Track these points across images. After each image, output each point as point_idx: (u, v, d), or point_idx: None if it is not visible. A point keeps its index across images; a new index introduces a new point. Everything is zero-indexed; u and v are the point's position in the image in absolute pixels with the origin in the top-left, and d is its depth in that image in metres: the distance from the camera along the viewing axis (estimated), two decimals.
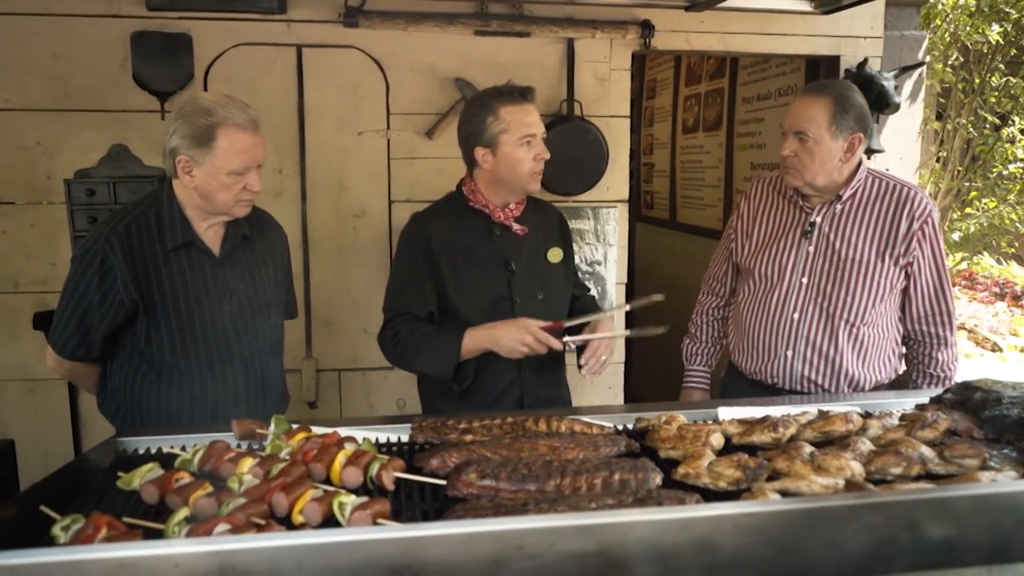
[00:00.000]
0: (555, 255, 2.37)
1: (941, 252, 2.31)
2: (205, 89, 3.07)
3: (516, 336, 2.08)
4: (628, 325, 3.22)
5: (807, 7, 3.24)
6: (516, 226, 2.28)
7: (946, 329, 2.34)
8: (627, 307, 2.20)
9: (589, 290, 2.62)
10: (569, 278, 2.45)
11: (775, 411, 1.81)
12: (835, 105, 2.17)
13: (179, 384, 2.05)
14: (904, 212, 2.24)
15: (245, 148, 1.94)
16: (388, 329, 2.26)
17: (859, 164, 2.29)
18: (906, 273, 2.28)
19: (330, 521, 1.33)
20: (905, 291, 2.32)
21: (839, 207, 2.29)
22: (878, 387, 2.36)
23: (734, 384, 2.51)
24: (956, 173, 5.11)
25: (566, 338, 2.16)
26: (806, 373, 2.32)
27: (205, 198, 1.99)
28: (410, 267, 2.26)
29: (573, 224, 3.39)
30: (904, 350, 2.42)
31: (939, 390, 2.27)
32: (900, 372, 2.44)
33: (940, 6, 4.77)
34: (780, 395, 2.34)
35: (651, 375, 5.02)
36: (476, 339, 2.15)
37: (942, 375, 2.36)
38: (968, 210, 4.94)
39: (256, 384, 2.15)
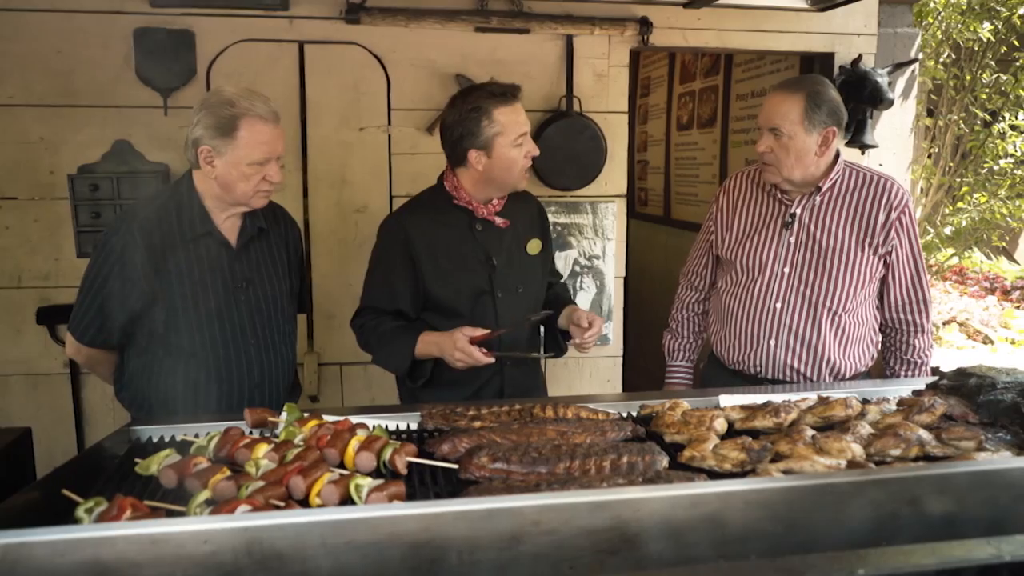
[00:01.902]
0: (534, 247, 2.40)
1: (917, 240, 2.36)
2: (207, 86, 3.09)
3: (449, 351, 2.12)
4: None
5: (802, 4, 3.29)
6: (498, 220, 2.30)
7: (923, 316, 2.39)
8: (532, 319, 2.25)
9: (562, 277, 2.66)
10: (546, 268, 2.48)
11: (776, 397, 1.85)
12: (807, 100, 2.21)
13: (195, 372, 2.08)
14: (882, 202, 2.29)
15: (266, 139, 1.99)
16: (356, 319, 2.36)
17: (836, 156, 2.33)
18: (885, 262, 2.33)
19: (347, 503, 1.36)
20: (883, 280, 2.37)
21: (818, 199, 2.33)
22: (857, 375, 2.40)
23: (715, 374, 2.54)
24: (947, 169, 5.17)
25: (500, 353, 2.17)
26: (789, 362, 2.36)
27: (225, 188, 2.02)
28: (385, 264, 2.31)
29: (571, 219, 3.43)
30: (880, 337, 2.47)
31: (920, 376, 2.34)
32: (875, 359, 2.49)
33: (932, 4, 4.82)
34: (761, 384, 2.37)
35: (645, 369, 5.06)
36: (426, 346, 2.19)
37: (919, 361, 2.41)
38: (960, 204, 4.99)
39: (270, 373, 2.19)
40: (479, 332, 2.12)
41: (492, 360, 2.11)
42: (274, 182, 2.05)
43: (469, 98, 2.20)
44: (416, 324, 2.28)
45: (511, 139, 2.17)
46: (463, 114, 2.18)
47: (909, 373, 2.41)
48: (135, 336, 2.10)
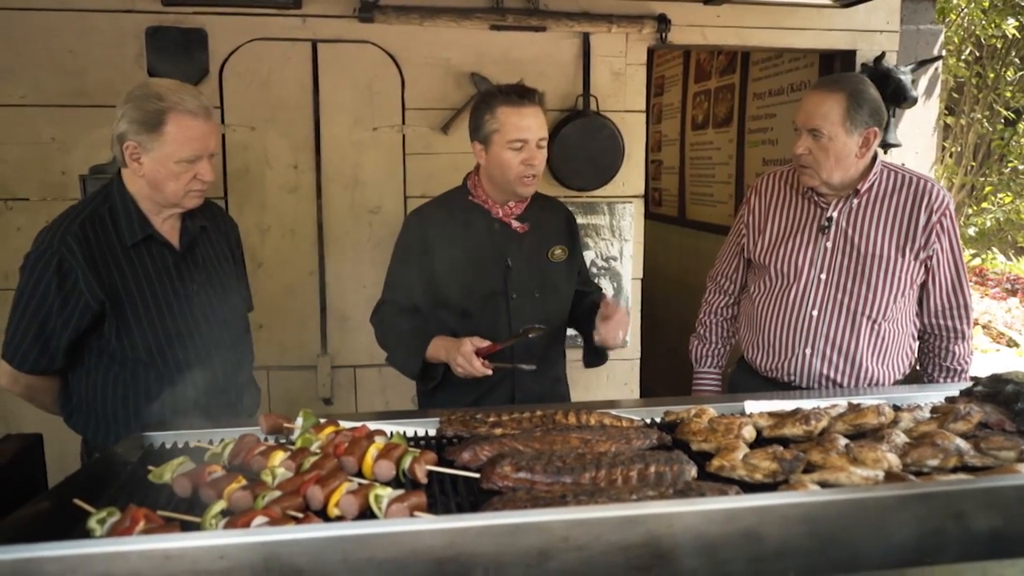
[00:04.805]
0: (558, 254, 2.37)
1: (959, 244, 2.29)
2: (220, 85, 3.06)
3: (453, 357, 2.12)
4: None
5: (824, 0, 3.23)
6: (516, 223, 2.28)
7: (963, 322, 2.32)
8: (530, 333, 2.13)
9: (599, 289, 2.62)
10: (573, 276, 2.44)
11: (805, 404, 1.79)
12: (849, 100, 2.13)
13: (156, 382, 1.98)
14: (922, 205, 2.22)
15: (196, 136, 1.88)
16: (377, 313, 2.37)
17: (874, 158, 2.26)
18: (925, 267, 2.26)
19: (366, 514, 1.32)
20: (923, 285, 2.29)
21: (856, 202, 2.25)
22: (894, 384, 2.33)
23: (745, 380, 2.47)
24: (969, 168, 5.09)
25: (494, 363, 2.13)
26: (825, 371, 2.29)
27: (154, 187, 1.92)
28: (402, 258, 2.33)
29: (588, 220, 3.38)
30: (917, 345, 2.40)
31: (957, 383, 2.27)
32: (915, 367, 2.42)
33: (954, 0, 4.74)
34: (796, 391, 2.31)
35: (662, 372, 5.01)
36: (436, 350, 2.19)
37: (958, 368, 2.34)
38: (984, 205, 4.91)
39: (231, 374, 2.11)
40: (486, 344, 2.11)
41: (490, 372, 2.11)
42: (206, 180, 1.94)
43: (487, 91, 2.26)
44: (430, 326, 2.27)
45: (506, 139, 2.14)
46: (476, 104, 2.24)
47: (948, 381, 2.33)
48: (81, 356, 1.98)
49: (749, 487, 1.41)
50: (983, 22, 4.61)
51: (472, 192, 2.29)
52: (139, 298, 1.94)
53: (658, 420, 1.81)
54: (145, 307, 1.94)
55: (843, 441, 1.53)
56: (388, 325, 2.30)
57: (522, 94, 2.16)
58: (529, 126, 2.15)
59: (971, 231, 4.66)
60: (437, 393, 2.31)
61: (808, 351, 2.29)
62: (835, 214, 2.27)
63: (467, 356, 2.08)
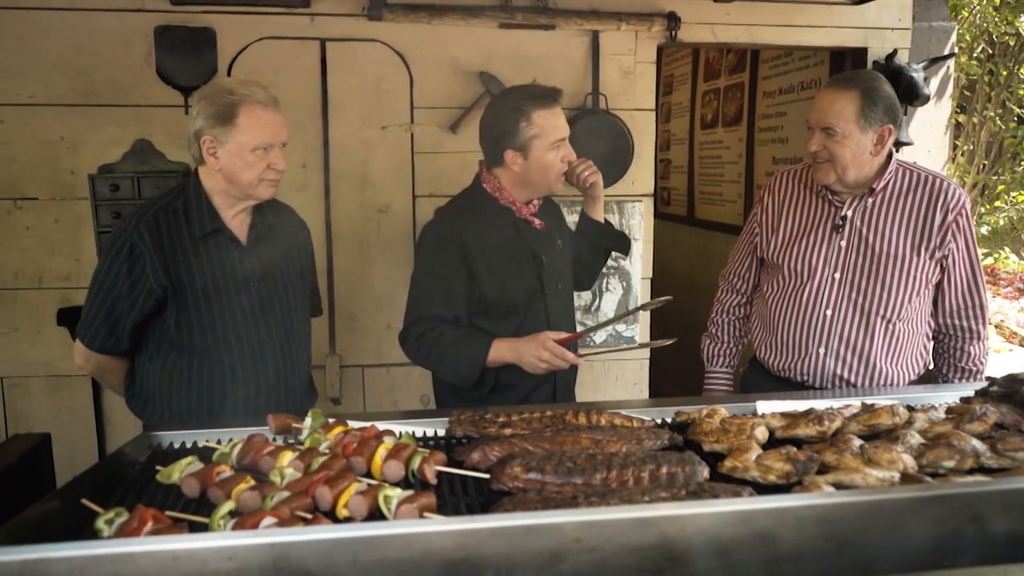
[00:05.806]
0: (559, 245, 2.40)
1: (975, 244, 2.27)
2: None
3: (535, 352, 2.08)
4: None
5: None
6: (536, 221, 2.30)
7: (979, 323, 2.30)
8: (642, 309, 2.17)
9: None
10: (572, 263, 2.49)
11: (818, 404, 1.77)
12: (863, 98, 2.11)
13: (209, 373, 2.04)
14: (938, 204, 2.19)
15: (267, 124, 1.97)
16: (412, 330, 2.21)
17: (889, 156, 2.24)
18: (941, 266, 2.23)
19: (375, 515, 1.31)
20: (938, 284, 2.27)
21: (871, 200, 2.23)
22: (909, 384, 2.31)
23: (757, 380, 2.46)
24: (982, 167, 5.05)
25: (582, 352, 2.17)
26: (839, 371, 2.27)
27: (230, 179, 2.00)
28: (440, 268, 2.21)
29: None
30: (932, 344, 2.38)
31: (972, 384, 2.24)
32: (929, 368, 2.40)
33: None
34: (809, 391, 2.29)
35: (669, 372, 4.98)
36: (500, 352, 2.13)
37: (974, 369, 2.31)
38: (997, 203, 4.87)
39: (285, 374, 2.14)
40: (562, 335, 2.10)
41: (581, 362, 2.13)
42: (279, 169, 2.02)
43: (509, 98, 2.21)
44: (478, 332, 2.21)
45: (548, 143, 2.16)
46: (502, 114, 2.18)
47: (963, 381, 2.31)
48: (145, 340, 2.07)
49: (762, 488, 1.40)
50: (995, 19, 4.57)
51: (497, 196, 2.26)
52: (200, 288, 2.01)
53: (669, 420, 1.79)
54: (205, 297, 2.02)
55: (857, 442, 1.52)
56: (432, 337, 2.16)
57: (554, 96, 2.19)
58: (564, 125, 2.21)
59: (983, 230, 4.62)
60: (488, 397, 2.23)
61: (821, 351, 2.27)
62: (849, 213, 2.25)
63: (553, 349, 2.06)
